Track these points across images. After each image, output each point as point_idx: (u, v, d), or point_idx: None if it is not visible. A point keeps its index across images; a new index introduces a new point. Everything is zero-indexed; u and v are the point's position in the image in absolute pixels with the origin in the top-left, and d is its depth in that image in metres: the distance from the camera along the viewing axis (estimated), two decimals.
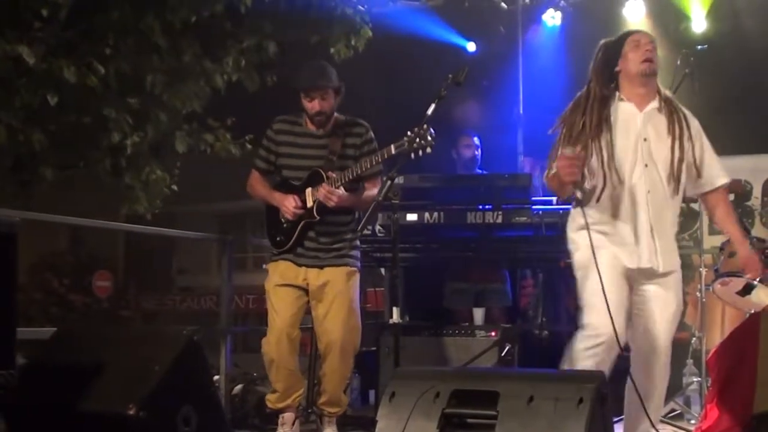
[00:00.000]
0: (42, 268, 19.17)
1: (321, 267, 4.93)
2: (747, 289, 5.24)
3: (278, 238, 5.01)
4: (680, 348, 5.84)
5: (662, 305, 4.10)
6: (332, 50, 9.24)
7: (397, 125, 4.84)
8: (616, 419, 3.72)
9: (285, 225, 4.99)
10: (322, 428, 5.05)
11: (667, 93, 4.20)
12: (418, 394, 3.31)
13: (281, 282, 4.95)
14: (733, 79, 8.73)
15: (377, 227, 5.82)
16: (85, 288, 19.42)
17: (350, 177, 4.84)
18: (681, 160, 4.05)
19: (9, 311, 3.88)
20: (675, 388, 5.83)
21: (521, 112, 9.08)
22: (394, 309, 4.95)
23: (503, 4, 9.37)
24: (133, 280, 21.38)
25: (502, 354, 5.56)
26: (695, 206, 6.88)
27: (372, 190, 4.89)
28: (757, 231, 7.20)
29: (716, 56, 7.53)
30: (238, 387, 6.08)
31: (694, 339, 6.27)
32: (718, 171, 4.17)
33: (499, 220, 5.75)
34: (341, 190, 4.83)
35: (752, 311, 5.27)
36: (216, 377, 5.68)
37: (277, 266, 5.00)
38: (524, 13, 9.28)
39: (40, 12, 7.68)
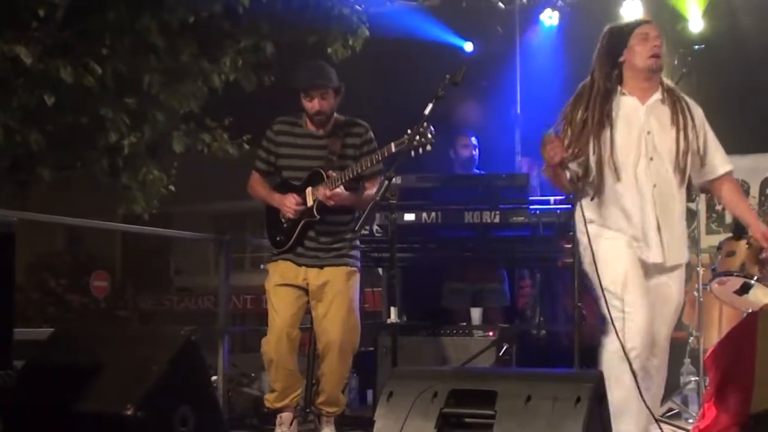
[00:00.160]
0: (39, 269, 19.18)
1: (321, 267, 4.93)
2: (744, 289, 5.24)
3: (278, 238, 5.01)
4: (678, 347, 5.85)
5: (662, 300, 4.08)
6: (329, 50, 9.24)
7: (395, 125, 4.84)
8: None
9: (285, 225, 4.99)
10: (320, 428, 5.05)
11: (669, 83, 4.16)
12: (416, 393, 3.31)
13: (281, 282, 4.96)
14: (730, 79, 8.72)
15: (375, 227, 5.82)
16: (83, 288, 19.43)
17: (350, 176, 4.84)
18: (686, 151, 4.01)
19: (6, 311, 3.88)
20: (673, 387, 5.83)
21: (519, 112, 9.08)
22: (392, 309, 4.96)
23: (500, 4, 9.36)
24: (130, 280, 21.39)
25: (500, 354, 5.56)
26: (692, 206, 6.88)
27: (372, 190, 4.88)
28: None
29: (713, 56, 7.52)
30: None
31: (691, 338, 6.27)
32: (721, 159, 4.14)
33: (497, 220, 5.75)
34: (341, 190, 4.83)
35: (750, 310, 5.27)
36: (214, 377, 5.68)
37: (277, 266, 5.01)
38: (522, 13, 9.27)
39: (37, 12, 7.68)
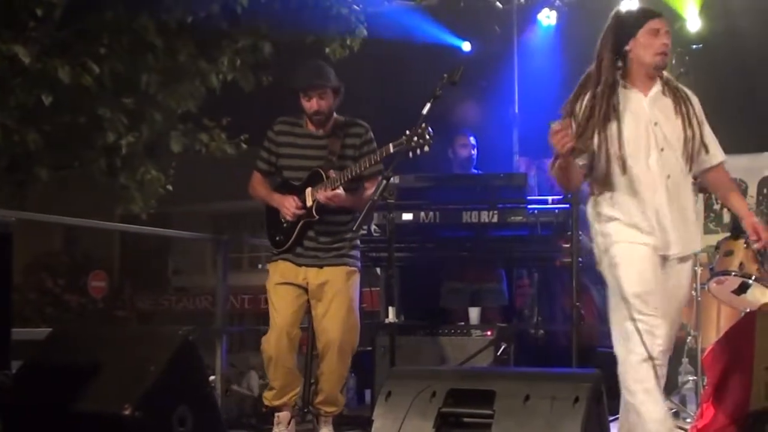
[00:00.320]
0: (37, 269, 19.15)
1: (320, 266, 4.94)
2: (742, 288, 5.24)
3: (277, 238, 5.02)
4: (676, 347, 5.83)
5: (670, 294, 3.98)
6: (327, 50, 9.24)
7: (393, 125, 4.84)
8: (611, 418, 3.72)
9: (284, 225, 4.99)
10: (318, 428, 5.04)
11: (666, 74, 4.12)
12: (415, 393, 3.32)
13: (281, 280, 4.97)
14: (728, 79, 8.73)
15: (373, 227, 5.82)
16: (81, 288, 19.41)
17: (349, 176, 4.85)
18: (693, 138, 3.96)
19: (4, 311, 3.88)
20: (671, 386, 5.83)
21: (517, 111, 9.08)
22: (390, 309, 4.95)
23: (498, 4, 9.37)
24: (128, 280, 21.36)
25: (498, 353, 5.56)
26: None
27: (372, 190, 4.88)
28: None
29: (711, 55, 7.53)
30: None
31: (689, 338, 6.27)
32: (717, 149, 4.08)
33: (495, 220, 5.75)
34: (340, 190, 4.83)
35: (748, 310, 5.27)
36: (211, 377, 5.68)
37: (277, 266, 5.01)
38: (519, 13, 9.27)
39: (35, 11, 7.67)
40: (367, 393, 6.20)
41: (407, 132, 4.63)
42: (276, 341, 4.87)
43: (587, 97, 3.96)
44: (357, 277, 5.04)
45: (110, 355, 4.04)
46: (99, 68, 8.02)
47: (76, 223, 6.04)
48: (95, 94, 8.27)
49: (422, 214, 5.85)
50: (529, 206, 5.74)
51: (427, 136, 4.62)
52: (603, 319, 6.66)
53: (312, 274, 4.94)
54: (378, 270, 6.46)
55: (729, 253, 5.21)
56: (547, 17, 9.30)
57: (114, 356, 4.02)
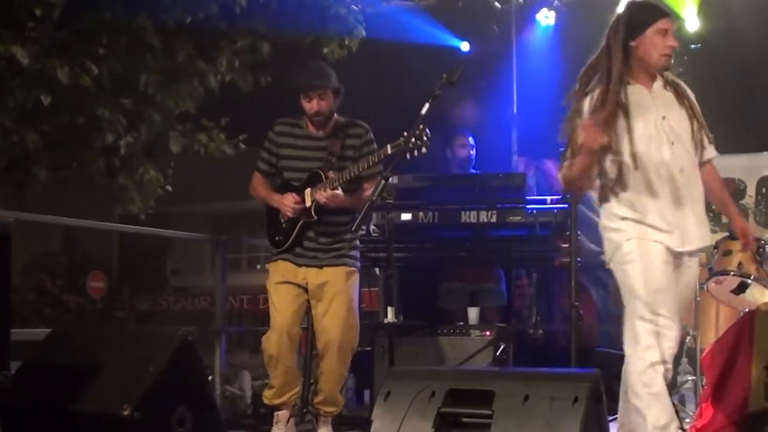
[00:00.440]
0: (36, 269, 19.13)
1: (320, 267, 4.95)
2: (741, 288, 5.24)
3: (277, 238, 5.03)
4: None
5: (681, 295, 3.95)
6: (326, 50, 9.23)
7: (392, 125, 4.84)
8: (610, 418, 3.72)
9: (284, 225, 5.00)
10: (317, 428, 5.04)
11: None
12: (414, 393, 3.32)
13: (282, 280, 4.98)
14: (726, 79, 8.74)
15: (371, 227, 5.82)
16: (79, 289, 19.39)
17: (348, 177, 4.85)
18: (700, 128, 3.94)
19: (3, 312, 3.87)
20: (670, 386, 5.82)
21: (515, 111, 9.07)
22: (389, 309, 4.96)
23: (497, 4, 9.37)
24: (127, 280, 21.34)
25: (497, 353, 5.56)
26: None
27: (371, 191, 4.88)
28: (751, 229, 7.20)
29: (710, 55, 7.55)
30: None
31: (688, 338, 6.27)
32: (708, 144, 4.04)
33: (494, 220, 5.75)
34: (339, 191, 4.83)
35: (746, 310, 5.27)
36: (210, 377, 5.68)
37: (277, 266, 5.03)
38: (518, 13, 9.26)
39: (34, 12, 7.66)
40: (366, 393, 6.21)
41: (405, 133, 4.63)
42: (277, 340, 4.88)
43: (596, 93, 3.90)
44: (356, 278, 5.04)
45: (109, 355, 4.04)
46: (98, 68, 8.01)
47: (75, 223, 6.04)
48: (94, 95, 8.26)
49: (421, 214, 5.85)
50: (528, 206, 5.74)
51: (425, 137, 4.62)
52: (602, 319, 6.71)
53: (312, 275, 4.94)
54: (377, 270, 6.46)
55: (728, 253, 5.21)
56: (546, 17, 9.30)
57: (113, 357, 4.03)
